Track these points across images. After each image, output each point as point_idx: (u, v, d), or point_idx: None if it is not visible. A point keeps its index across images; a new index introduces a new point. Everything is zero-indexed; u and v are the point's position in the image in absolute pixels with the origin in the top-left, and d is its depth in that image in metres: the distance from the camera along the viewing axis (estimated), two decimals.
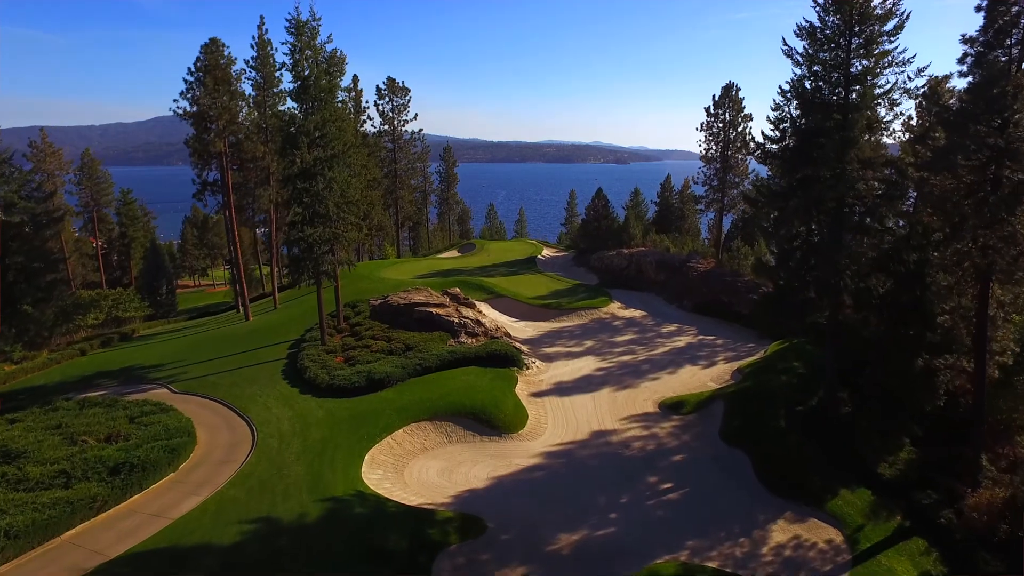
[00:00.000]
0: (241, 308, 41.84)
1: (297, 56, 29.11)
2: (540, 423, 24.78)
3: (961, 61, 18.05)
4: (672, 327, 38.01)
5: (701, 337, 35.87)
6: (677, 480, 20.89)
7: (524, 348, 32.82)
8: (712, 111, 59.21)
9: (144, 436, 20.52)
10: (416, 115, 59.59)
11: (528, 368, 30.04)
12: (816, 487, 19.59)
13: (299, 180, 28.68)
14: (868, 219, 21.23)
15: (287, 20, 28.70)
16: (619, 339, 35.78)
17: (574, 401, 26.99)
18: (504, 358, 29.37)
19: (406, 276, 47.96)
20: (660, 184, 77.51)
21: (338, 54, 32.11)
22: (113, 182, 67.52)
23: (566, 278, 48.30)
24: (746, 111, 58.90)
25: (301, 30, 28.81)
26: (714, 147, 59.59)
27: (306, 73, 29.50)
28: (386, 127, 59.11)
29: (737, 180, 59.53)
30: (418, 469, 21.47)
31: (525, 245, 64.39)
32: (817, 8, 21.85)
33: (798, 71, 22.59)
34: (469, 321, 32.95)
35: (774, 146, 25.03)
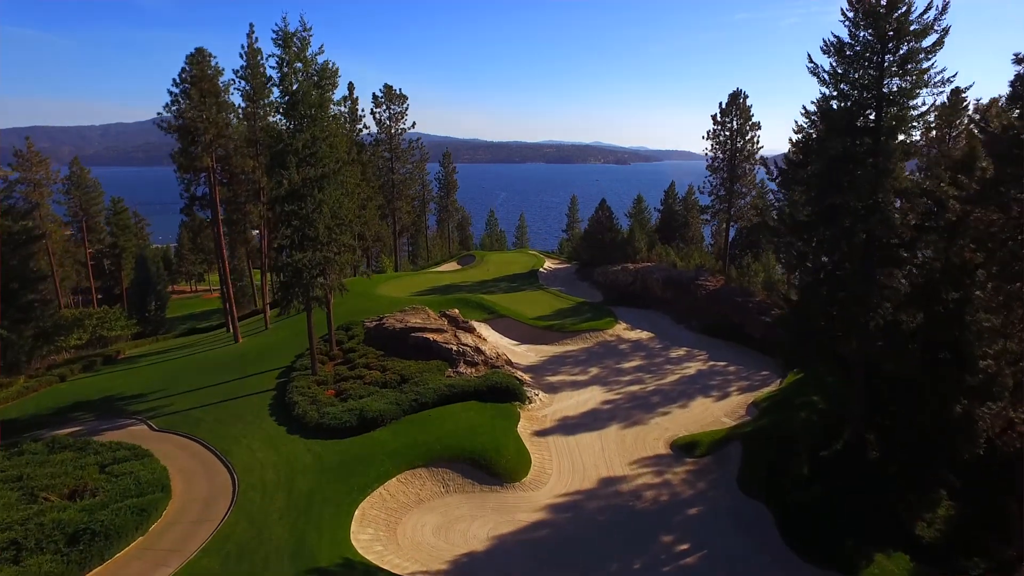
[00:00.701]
0: (231, 328, 40.06)
1: (285, 69, 27.30)
2: (544, 469, 22.99)
3: (1015, 84, 16.29)
4: (681, 351, 36.22)
5: (712, 363, 34.06)
6: (694, 540, 19.11)
7: (526, 377, 31.04)
8: (719, 119, 57.53)
9: (113, 492, 18.76)
10: (414, 123, 57.85)
11: (531, 402, 28.26)
12: (849, 551, 17.83)
13: (287, 202, 26.88)
14: (903, 253, 19.44)
15: (274, 31, 26.92)
16: (626, 365, 33.99)
17: (580, 441, 25.21)
18: (505, 392, 27.58)
19: (403, 293, 46.17)
20: (664, 191, 76.07)
21: (330, 66, 30.37)
22: (103, 191, 65.80)
23: (569, 295, 46.50)
24: (754, 119, 57.38)
25: (289, 42, 27.01)
26: (720, 156, 58.00)
27: (295, 87, 27.70)
28: (383, 136, 57.30)
29: (745, 191, 57.94)
30: (412, 526, 19.68)
31: (526, 257, 62.60)
32: (847, 23, 20.06)
33: (825, 91, 20.84)
34: (468, 349, 31.16)
35: (781, 162, 23.39)
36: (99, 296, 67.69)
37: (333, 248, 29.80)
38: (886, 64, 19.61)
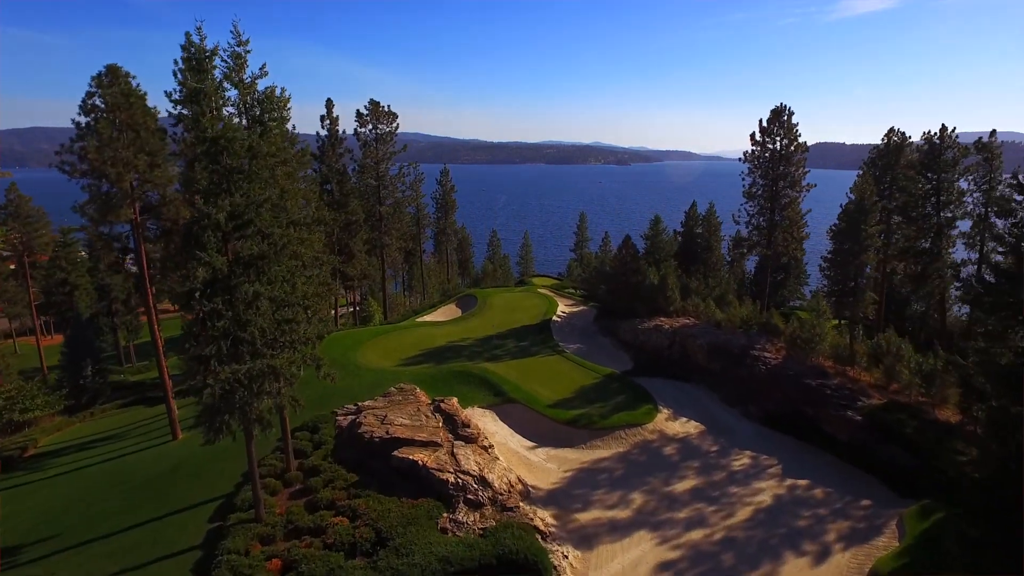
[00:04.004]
0: (169, 416, 31.74)
1: (202, 105, 18.90)
2: None
3: None
4: (744, 458, 27.97)
5: (791, 483, 25.80)
6: None
7: (549, 519, 22.80)
8: (758, 138, 49.56)
9: None
10: (405, 147, 49.36)
11: (559, 573, 19.96)
12: None
13: (205, 298, 18.50)
14: None
15: (183, 49, 18.51)
16: (678, 487, 25.69)
17: None
18: (523, 567, 19.27)
19: (390, 362, 37.86)
20: (685, 212, 68.64)
21: (278, 93, 22.09)
22: (49, 220, 57.36)
23: (591, 362, 38.06)
24: (800, 139, 49.51)
25: (204, 65, 18.60)
26: (760, 182, 50.05)
27: (219, 127, 19.23)
28: (369, 161, 48.81)
29: (787, 222, 50.13)
30: None
31: (535, 299, 54.13)
32: None
33: None
34: (471, 481, 22.83)
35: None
36: (45, 337, 59.37)
37: (284, 340, 21.44)
38: None
